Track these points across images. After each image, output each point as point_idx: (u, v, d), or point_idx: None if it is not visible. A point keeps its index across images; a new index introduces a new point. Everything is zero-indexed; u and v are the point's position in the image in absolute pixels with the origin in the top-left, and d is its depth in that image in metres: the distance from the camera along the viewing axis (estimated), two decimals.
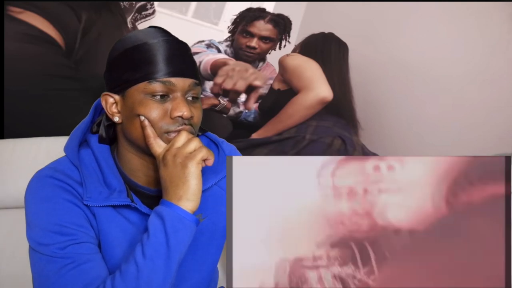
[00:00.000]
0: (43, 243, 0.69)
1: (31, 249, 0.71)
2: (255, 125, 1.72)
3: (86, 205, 0.72)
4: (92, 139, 0.78)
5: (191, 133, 0.74)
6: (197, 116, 0.75)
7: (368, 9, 1.77)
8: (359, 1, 1.76)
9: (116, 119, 0.75)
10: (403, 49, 1.75)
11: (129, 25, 1.63)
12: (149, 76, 0.70)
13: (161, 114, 0.71)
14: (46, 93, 1.38)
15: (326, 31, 1.68)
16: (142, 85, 0.71)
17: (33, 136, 1.16)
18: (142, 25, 1.70)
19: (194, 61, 0.76)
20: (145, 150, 0.74)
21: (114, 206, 0.74)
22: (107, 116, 0.77)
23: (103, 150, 0.78)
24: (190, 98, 0.74)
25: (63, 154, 0.77)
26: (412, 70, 1.73)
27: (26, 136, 1.15)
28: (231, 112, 1.80)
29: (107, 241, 0.74)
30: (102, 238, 0.74)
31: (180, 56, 0.73)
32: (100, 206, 0.73)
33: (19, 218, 1.08)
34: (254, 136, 1.65)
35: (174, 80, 0.71)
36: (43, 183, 0.72)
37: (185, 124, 0.72)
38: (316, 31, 1.70)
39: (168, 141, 0.72)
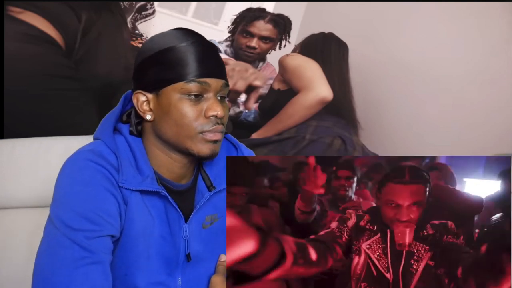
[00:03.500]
0: (72, 226, 0.69)
1: (53, 226, 0.70)
2: (255, 125, 1.72)
3: (121, 192, 0.73)
4: (124, 128, 0.80)
5: (222, 132, 0.77)
6: (226, 115, 0.78)
7: (368, 9, 1.77)
8: (359, 1, 1.76)
9: (149, 117, 0.77)
10: (403, 49, 1.75)
11: (129, 25, 1.63)
12: (186, 77, 0.73)
13: (196, 114, 0.74)
14: (46, 93, 1.37)
15: (326, 31, 1.68)
16: (179, 85, 0.73)
17: (33, 136, 1.16)
18: (142, 25, 1.70)
19: (223, 62, 0.78)
20: (175, 147, 0.76)
21: (141, 194, 0.75)
22: (136, 113, 0.78)
23: (136, 140, 0.79)
24: (219, 98, 0.77)
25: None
26: (412, 70, 1.73)
27: (26, 136, 1.15)
28: (231, 112, 1.80)
29: (132, 230, 0.74)
30: (127, 227, 0.74)
31: (213, 57, 0.76)
32: (134, 190, 0.74)
33: (19, 218, 1.08)
34: (254, 136, 1.65)
35: (209, 80, 0.74)
36: (82, 165, 0.73)
37: (217, 123, 0.75)
38: (316, 31, 1.69)
39: (203, 141, 0.75)
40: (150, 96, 0.76)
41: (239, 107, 1.80)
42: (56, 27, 1.37)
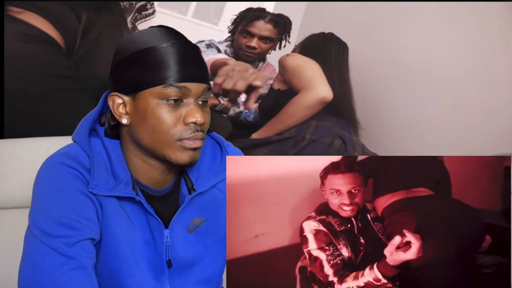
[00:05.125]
0: (50, 233, 0.67)
1: (32, 235, 0.68)
2: (255, 125, 1.72)
3: (94, 195, 0.71)
4: (101, 130, 0.77)
5: (203, 139, 0.73)
6: (207, 121, 0.75)
7: (368, 9, 1.77)
8: (359, 1, 1.76)
9: (125, 121, 0.73)
10: (403, 49, 1.75)
11: (129, 25, 1.63)
12: (165, 80, 0.69)
13: (174, 120, 0.71)
14: (46, 93, 1.37)
15: (326, 31, 1.68)
16: (157, 89, 0.70)
17: (33, 136, 1.16)
18: (142, 25, 1.70)
19: (206, 66, 0.75)
20: (152, 154, 0.73)
21: (119, 199, 0.73)
22: (112, 116, 0.75)
23: (114, 143, 0.77)
24: (200, 103, 0.73)
25: None
26: (412, 70, 1.73)
27: (26, 136, 1.15)
28: (231, 112, 1.80)
29: (112, 235, 0.72)
30: (105, 232, 0.72)
31: (194, 61, 0.72)
32: (105, 195, 0.71)
33: (19, 218, 1.08)
34: (254, 136, 1.64)
35: (189, 85, 0.71)
36: (55, 170, 0.71)
37: (197, 130, 0.72)
38: (316, 31, 1.69)
39: (182, 149, 0.72)
40: (126, 99, 0.72)
41: (239, 107, 1.80)
42: (56, 27, 1.36)
